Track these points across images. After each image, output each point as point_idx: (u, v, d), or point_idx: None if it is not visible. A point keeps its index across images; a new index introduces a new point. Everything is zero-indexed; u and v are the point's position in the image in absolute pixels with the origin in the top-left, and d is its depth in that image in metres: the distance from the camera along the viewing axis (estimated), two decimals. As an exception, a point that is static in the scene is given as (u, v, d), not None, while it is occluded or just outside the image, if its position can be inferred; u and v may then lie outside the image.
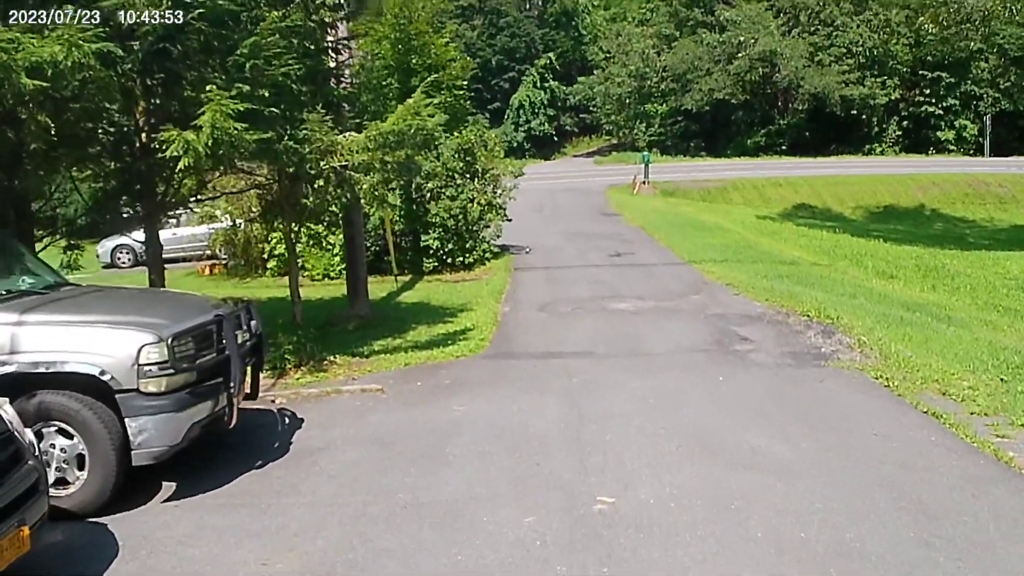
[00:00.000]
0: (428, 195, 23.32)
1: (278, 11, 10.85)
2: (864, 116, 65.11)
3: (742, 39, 63.52)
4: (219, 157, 10.42)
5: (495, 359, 12.82)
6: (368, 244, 23.26)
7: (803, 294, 17.07)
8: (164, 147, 10.07)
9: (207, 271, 26.32)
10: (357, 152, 11.41)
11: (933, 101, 65.23)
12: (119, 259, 29.23)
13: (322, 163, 11.58)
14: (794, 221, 40.62)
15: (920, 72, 64.93)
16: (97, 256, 28.38)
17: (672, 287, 18.80)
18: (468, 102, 25.87)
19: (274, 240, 24.49)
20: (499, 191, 24.86)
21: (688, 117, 68.08)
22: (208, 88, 9.66)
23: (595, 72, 73.25)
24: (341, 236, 23.67)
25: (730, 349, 12.81)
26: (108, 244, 28.97)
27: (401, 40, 23.17)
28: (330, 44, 13.07)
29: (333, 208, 14.13)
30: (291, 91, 11.37)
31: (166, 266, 14.23)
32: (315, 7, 11.34)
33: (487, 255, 24.41)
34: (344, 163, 11.59)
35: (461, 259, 23.72)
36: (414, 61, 23.02)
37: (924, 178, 52.76)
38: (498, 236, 25.28)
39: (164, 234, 28.90)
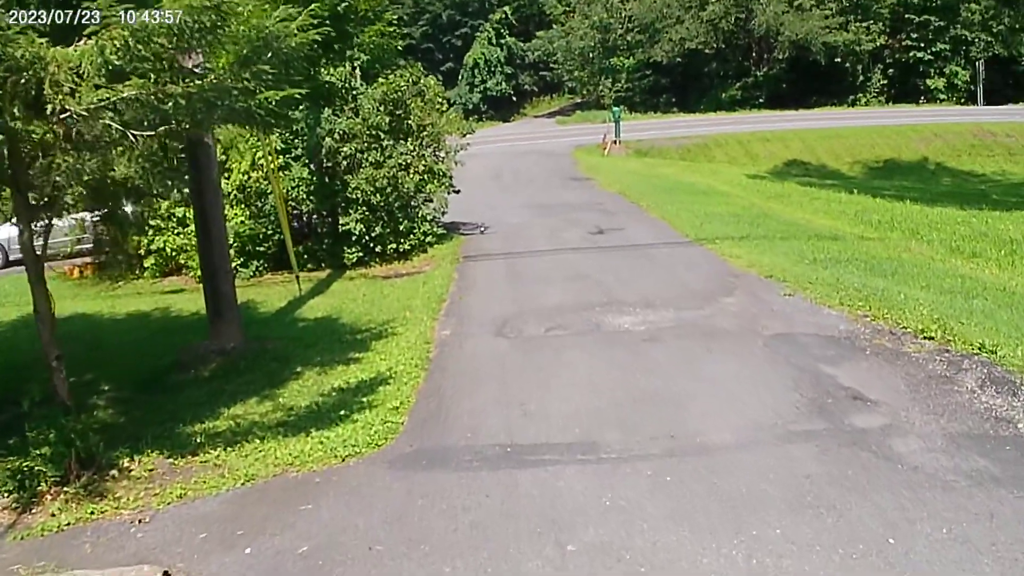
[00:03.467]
0: (345, 163, 17.30)
1: None
2: (848, 65, 59.46)
3: (716, -18, 57.72)
4: None
5: (411, 467, 6.85)
6: (269, 231, 17.33)
7: (892, 293, 11.32)
8: None
9: (75, 272, 19.98)
10: (87, 79, 5.37)
11: (921, 46, 59.34)
12: (-13, 258, 22.84)
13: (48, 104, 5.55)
14: (791, 180, 34.99)
15: (906, 16, 59.24)
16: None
17: (691, 283, 13.04)
18: (398, 40, 19.66)
19: (152, 231, 18.40)
20: (443, 154, 18.90)
21: (657, 70, 62.07)
22: None
23: (554, 26, 67.02)
24: (237, 212, 17.77)
25: (848, 428, 6.96)
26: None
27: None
28: None
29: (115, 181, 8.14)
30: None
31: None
32: None
33: (429, 239, 18.46)
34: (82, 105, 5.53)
35: (394, 246, 17.76)
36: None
37: (925, 129, 47.23)
38: (443, 213, 19.31)
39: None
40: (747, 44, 61.15)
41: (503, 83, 65.84)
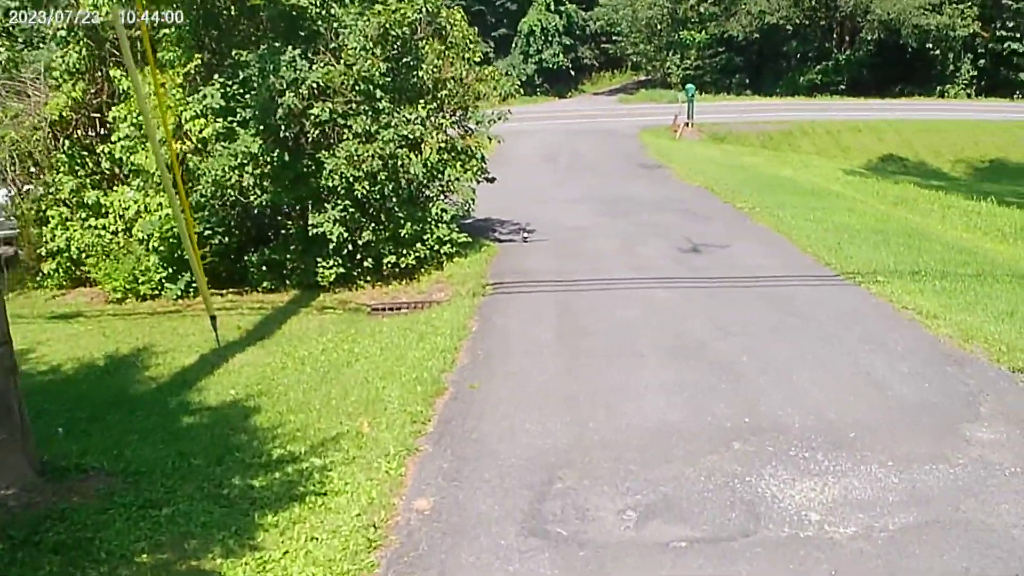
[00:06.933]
0: (316, 133, 11.35)
1: None
2: (938, 52, 53.87)
3: (802, -50, 51.96)
4: None
5: None
6: (208, 231, 11.51)
7: None
8: None
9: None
10: None
11: (1017, 36, 53.62)
12: None
13: None
14: (896, 179, 29.04)
15: (1003, 2, 53.39)
16: None
17: (887, 379, 7.37)
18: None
19: (54, 222, 12.63)
20: (472, 125, 12.94)
21: (731, 47, 56.20)
22: None
23: (620, -7, 60.86)
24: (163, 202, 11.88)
25: None
26: None
27: None
28: None
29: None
30: None
31: None
32: None
33: (447, 249, 12.48)
34: None
35: (392, 259, 11.85)
36: None
37: (1037, 124, 41.73)
38: (470, 210, 13.28)
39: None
40: (830, 23, 55.10)
41: (560, 55, 59.65)
